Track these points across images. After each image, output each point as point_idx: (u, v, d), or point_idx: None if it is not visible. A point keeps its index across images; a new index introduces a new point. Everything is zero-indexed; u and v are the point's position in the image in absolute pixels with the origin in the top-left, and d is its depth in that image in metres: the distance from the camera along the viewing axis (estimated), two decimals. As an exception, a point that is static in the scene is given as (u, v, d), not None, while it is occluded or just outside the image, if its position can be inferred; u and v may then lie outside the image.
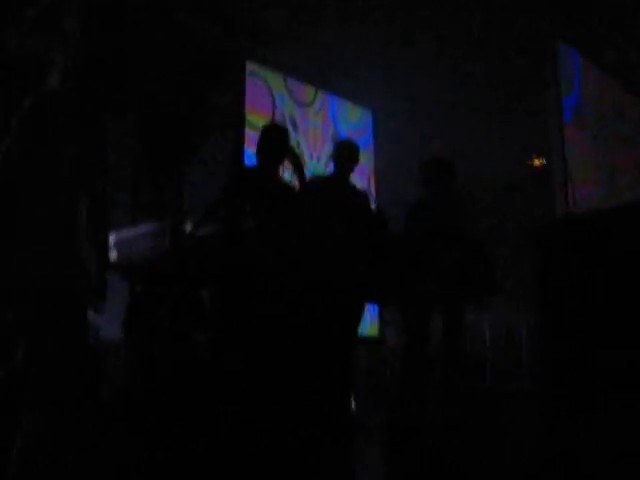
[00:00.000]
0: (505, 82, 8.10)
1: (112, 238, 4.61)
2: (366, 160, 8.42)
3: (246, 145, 6.85)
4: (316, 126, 7.94)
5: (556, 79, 7.31)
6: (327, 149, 7.62)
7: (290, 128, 6.08)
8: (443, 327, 5.02)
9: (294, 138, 6.58)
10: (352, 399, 5.37)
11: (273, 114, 7.40)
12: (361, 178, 8.11)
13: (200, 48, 6.98)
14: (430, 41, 7.57)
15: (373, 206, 6.18)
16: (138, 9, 6.77)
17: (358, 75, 7.85)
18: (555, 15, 7.34)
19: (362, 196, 5.19)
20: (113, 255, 4.55)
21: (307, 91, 7.92)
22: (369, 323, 7.49)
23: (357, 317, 4.78)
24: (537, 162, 9.75)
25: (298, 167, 4.50)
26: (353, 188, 5.11)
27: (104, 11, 6.58)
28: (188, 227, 4.08)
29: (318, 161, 7.75)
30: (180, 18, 6.80)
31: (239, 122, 6.94)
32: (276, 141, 4.36)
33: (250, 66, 7.17)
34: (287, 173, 4.62)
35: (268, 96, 7.42)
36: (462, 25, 7.40)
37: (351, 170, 5.01)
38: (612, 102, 8.33)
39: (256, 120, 6.96)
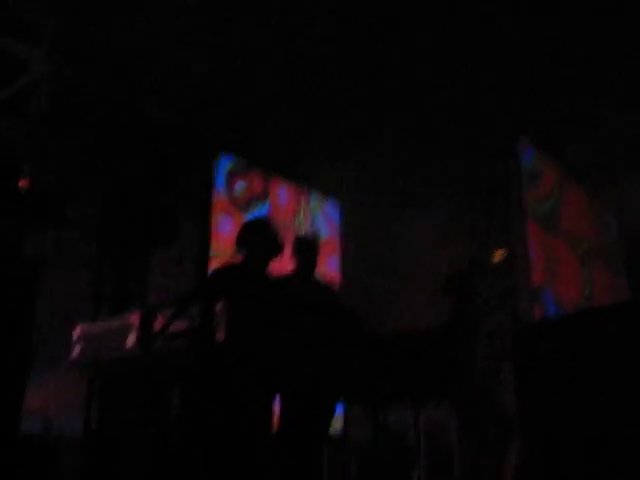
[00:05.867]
0: (469, 174, 8.27)
1: (77, 332, 4.48)
2: (334, 250, 8.45)
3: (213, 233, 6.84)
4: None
5: (518, 175, 7.52)
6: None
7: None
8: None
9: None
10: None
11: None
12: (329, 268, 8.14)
13: (169, 136, 7.02)
14: (396, 136, 7.74)
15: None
16: (107, 97, 6.83)
17: (327, 166, 7.96)
18: (515, 112, 7.59)
19: (328, 290, 5.12)
20: (77, 350, 4.41)
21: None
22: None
23: (329, 415, 4.66)
24: (498, 255, 9.86)
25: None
26: (318, 283, 5.06)
27: (73, 101, 6.64)
28: (158, 322, 3.95)
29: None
30: (151, 108, 6.85)
31: (206, 212, 6.91)
32: (268, 236, 4.24)
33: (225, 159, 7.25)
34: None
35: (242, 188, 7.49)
36: (428, 123, 7.59)
37: (314, 264, 4.95)
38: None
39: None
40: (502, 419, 4.89)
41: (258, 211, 7.70)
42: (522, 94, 7.23)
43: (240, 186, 7.54)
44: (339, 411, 7.57)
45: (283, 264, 4.59)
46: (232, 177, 7.45)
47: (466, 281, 5.18)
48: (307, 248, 4.85)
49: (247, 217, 7.26)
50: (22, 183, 5.27)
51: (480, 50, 6.67)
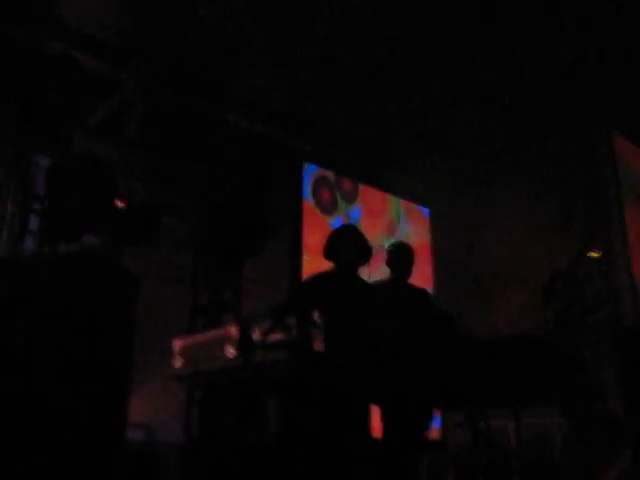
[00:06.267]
0: (562, 175, 8.05)
1: (178, 344, 4.59)
2: (424, 258, 8.38)
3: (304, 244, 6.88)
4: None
5: (614, 167, 7.30)
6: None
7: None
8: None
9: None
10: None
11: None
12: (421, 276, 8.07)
13: (258, 149, 7.11)
14: (484, 139, 7.64)
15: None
16: (196, 112, 6.99)
17: (416, 175, 7.91)
18: (605, 103, 7.36)
19: (423, 296, 5.06)
20: (179, 362, 4.51)
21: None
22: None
23: (424, 424, 4.60)
24: (594, 254, 9.55)
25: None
26: (412, 289, 5.01)
27: (164, 118, 6.83)
28: (255, 333, 4.00)
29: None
30: (238, 121, 6.96)
31: (297, 222, 6.95)
32: (357, 242, 4.20)
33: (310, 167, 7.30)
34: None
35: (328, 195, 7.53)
36: (517, 124, 7.44)
37: (409, 271, 4.90)
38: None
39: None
40: (610, 422, 4.72)
41: (348, 213, 7.73)
42: (612, 88, 7.02)
43: (327, 192, 7.58)
44: (437, 416, 7.49)
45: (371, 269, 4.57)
46: (320, 184, 7.49)
47: (569, 283, 5.04)
48: (402, 256, 4.82)
49: (336, 222, 7.30)
50: (118, 201, 5.45)
51: (571, 41, 6.50)
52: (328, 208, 7.54)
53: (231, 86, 6.95)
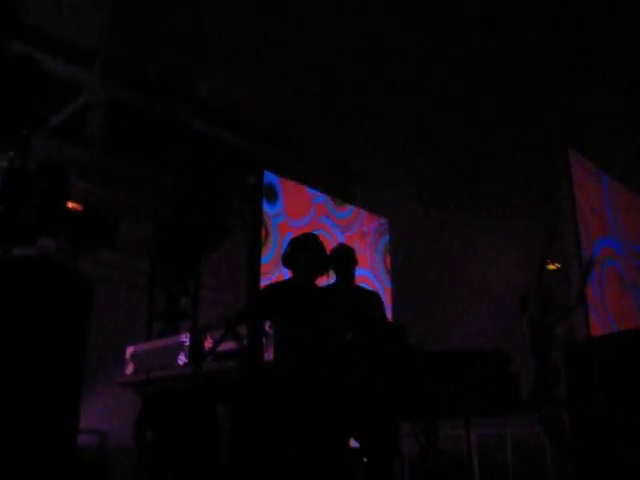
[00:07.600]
0: (518, 186, 8.20)
1: (130, 350, 4.58)
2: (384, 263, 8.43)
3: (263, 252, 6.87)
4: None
5: (570, 185, 7.43)
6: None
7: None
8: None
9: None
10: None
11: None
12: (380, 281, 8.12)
13: (217, 155, 7.11)
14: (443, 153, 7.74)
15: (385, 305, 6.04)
16: (159, 117, 6.96)
17: (374, 184, 7.96)
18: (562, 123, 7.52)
19: (373, 298, 5.04)
20: (130, 368, 4.50)
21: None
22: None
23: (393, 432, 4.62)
24: (551, 267, 9.72)
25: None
26: (361, 290, 5.00)
27: (125, 120, 6.80)
28: (207, 342, 4.01)
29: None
30: (199, 126, 6.95)
31: (256, 230, 6.93)
32: (316, 253, 4.14)
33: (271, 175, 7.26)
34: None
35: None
36: (474, 136, 7.56)
37: (353, 273, 4.90)
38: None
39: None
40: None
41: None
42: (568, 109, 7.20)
43: (286, 201, 7.56)
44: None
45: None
46: (278, 193, 7.48)
47: (538, 295, 5.15)
48: (343, 259, 4.80)
49: (293, 232, 7.30)
50: (73, 204, 5.40)
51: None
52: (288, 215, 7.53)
53: (196, 91, 6.95)
